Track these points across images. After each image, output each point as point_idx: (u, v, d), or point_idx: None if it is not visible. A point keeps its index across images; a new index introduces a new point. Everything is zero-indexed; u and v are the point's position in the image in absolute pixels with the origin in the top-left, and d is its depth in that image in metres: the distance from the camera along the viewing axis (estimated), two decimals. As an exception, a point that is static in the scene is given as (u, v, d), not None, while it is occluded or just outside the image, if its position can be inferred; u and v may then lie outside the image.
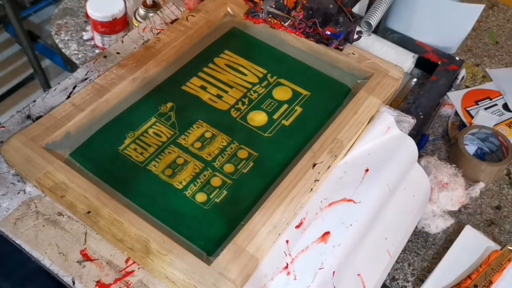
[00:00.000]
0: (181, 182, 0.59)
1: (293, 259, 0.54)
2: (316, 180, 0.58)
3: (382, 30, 0.86)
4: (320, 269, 0.53)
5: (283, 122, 0.66)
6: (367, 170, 0.61)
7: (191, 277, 0.50)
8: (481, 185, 0.75)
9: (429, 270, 0.67)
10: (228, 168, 0.61)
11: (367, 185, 0.60)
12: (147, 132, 0.64)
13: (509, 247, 0.66)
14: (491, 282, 0.63)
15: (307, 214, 0.57)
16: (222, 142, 0.63)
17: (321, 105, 0.68)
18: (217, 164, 0.61)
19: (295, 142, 0.64)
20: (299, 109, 0.68)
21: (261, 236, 0.53)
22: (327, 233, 0.56)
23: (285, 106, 0.68)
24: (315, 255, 0.54)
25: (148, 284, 0.52)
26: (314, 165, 0.59)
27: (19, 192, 0.58)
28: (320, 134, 0.63)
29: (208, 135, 0.64)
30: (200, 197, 0.58)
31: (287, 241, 0.55)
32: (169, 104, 0.67)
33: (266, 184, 0.60)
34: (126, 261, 0.53)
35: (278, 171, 0.61)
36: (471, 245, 0.68)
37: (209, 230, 0.55)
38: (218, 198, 0.58)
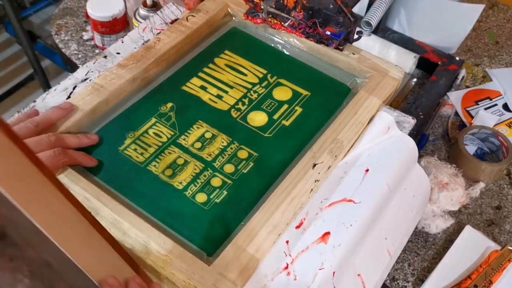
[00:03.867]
0: (181, 183, 0.59)
1: (293, 259, 0.54)
2: (316, 180, 0.58)
3: (382, 30, 0.86)
4: (320, 269, 0.53)
5: (283, 122, 0.66)
6: (367, 170, 0.61)
7: (191, 277, 0.50)
8: (481, 185, 0.74)
9: (429, 270, 0.67)
10: (228, 168, 0.61)
11: (367, 185, 0.60)
12: (147, 132, 0.64)
13: (509, 247, 0.66)
14: (491, 282, 0.63)
15: (307, 214, 0.57)
16: (222, 142, 0.63)
17: (321, 105, 0.68)
18: (217, 164, 0.61)
19: (295, 142, 0.64)
20: (299, 109, 0.68)
21: (261, 237, 0.53)
22: (327, 233, 0.56)
23: (285, 106, 0.68)
24: (315, 256, 0.54)
25: (148, 284, 0.52)
26: (314, 165, 0.59)
27: (19, 192, 0.58)
28: (320, 134, 0.63)
29: (208, 135, 0.64)
30: (200, 198, 0.58)
31: (287, 241, 0.55)
32: (169, 105, 0.67)
33: (266, 184, 0.60)
34: (126, 261, 0.53)
35: (278, 171, 0.61)
36: (471, 245, 0.68)
37: (209, 230, 0.55)
38: (218, 198, 0.58)
